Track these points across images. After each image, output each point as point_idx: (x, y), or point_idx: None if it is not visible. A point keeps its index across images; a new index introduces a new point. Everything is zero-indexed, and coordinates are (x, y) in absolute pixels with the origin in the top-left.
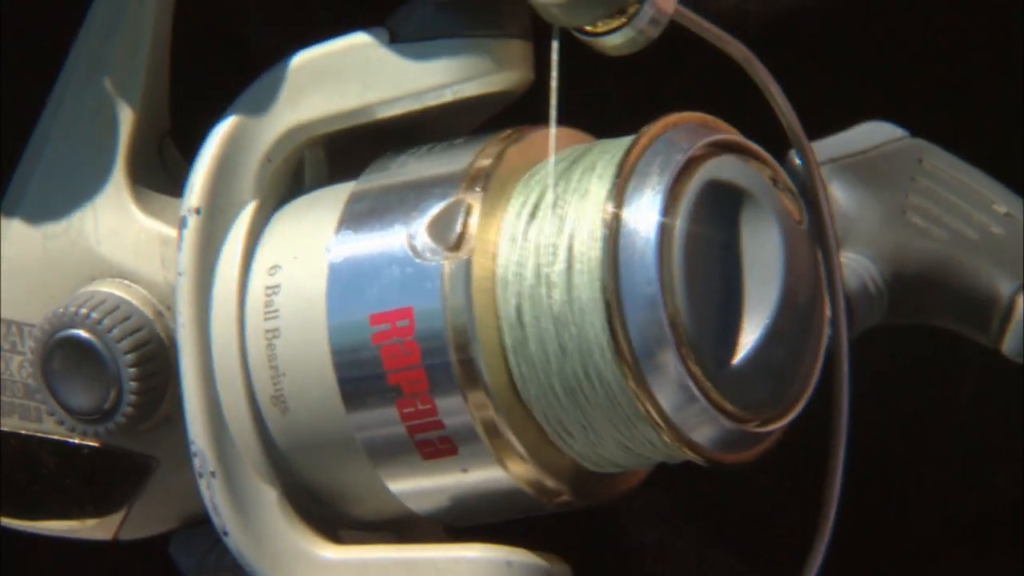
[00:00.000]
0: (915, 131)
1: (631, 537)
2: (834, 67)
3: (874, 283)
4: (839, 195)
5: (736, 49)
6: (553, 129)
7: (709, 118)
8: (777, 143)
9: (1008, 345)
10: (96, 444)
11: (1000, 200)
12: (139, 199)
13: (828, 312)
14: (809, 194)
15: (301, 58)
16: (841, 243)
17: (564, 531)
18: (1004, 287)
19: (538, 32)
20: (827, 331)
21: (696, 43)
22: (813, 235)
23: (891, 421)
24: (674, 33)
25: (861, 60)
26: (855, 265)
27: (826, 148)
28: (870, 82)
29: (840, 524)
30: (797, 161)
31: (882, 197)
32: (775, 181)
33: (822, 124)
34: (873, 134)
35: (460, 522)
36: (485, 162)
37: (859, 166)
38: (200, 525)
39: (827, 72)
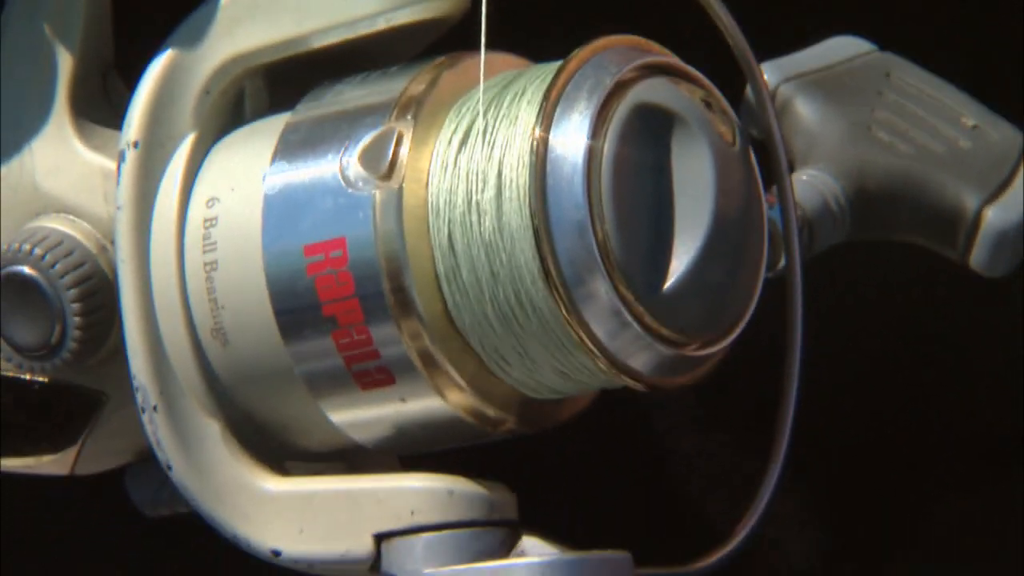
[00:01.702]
0: (884, 45)
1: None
2: None
3: (836, 200)
4: (803, 111)
5: None
6: (483, 54)
7: (642, 40)
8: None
9: (975, 258)
10: (46, 380)
11: (969, 113)
12: (82, 134)
13: (772, 231)
14: (761, 113)
15: None
16: (804, 160)
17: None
18: (970, 200)
19: None
20: (765, 251)
21: None
22: (748, 156)
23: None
24: None
25: None
26: (816, 182)
27: (792, 64)
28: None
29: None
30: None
31: (847, 112)
32: (708, 103)
33: (791, 40)
34: (840, 49)
35: (405, 451)
36: (417, 89)
37: (825, 82)
38: (154, 459)
39: None
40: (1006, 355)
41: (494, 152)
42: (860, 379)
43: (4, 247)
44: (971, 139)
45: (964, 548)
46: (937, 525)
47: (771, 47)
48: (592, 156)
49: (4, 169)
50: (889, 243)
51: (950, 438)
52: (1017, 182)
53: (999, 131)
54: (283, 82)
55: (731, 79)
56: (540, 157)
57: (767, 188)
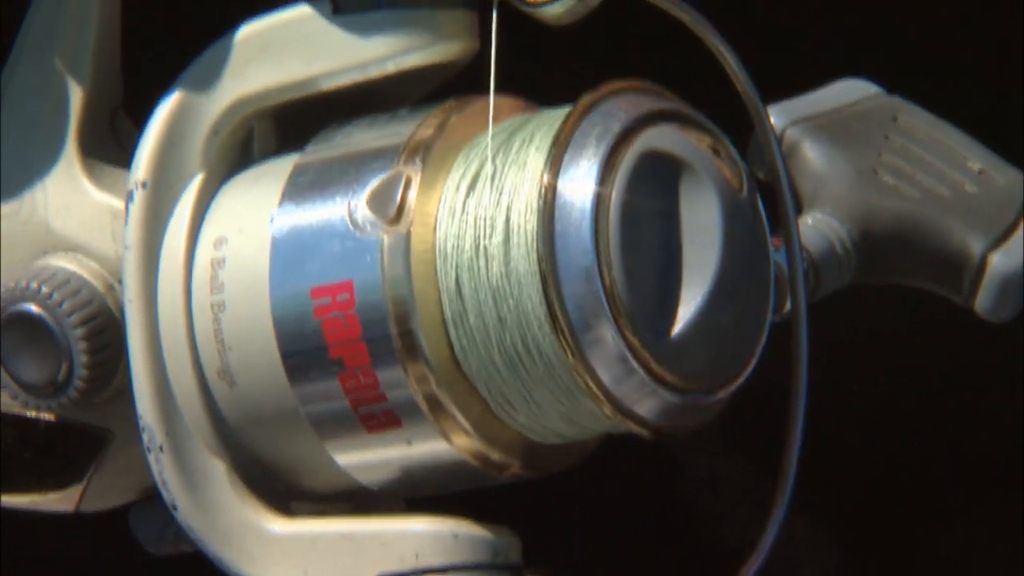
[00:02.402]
0: (891, 88)
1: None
2: (811, 23)
3: (841, 243)
4: (810, 155)
5: (684, 12)
6: (492, 99)
7: (649, 86)
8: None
9: (980, 303)
10: (51, 417)
11: (975, 158)
12: (91, 173)
13: (778, 274)
14: (768, 157)
15: (246, 30)
16: (810, 203)
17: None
18: (976, 245)
19: (482, 3)
20: (771, 298)
21: (647, 9)
22: (755, 203)
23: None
24: None
25: (837, 15)
26: (822, 226)
27: (799, 107)
28: (846, 39)
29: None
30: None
31: (854, 156)
32: (716, 150)
33: (799, 83)
34: (847, 92)
35: (411, 493)
36: (425, 134)
37: (832, 125)
38: (159, 497)
39: (805, 29)
40: (1008, 392)
41: (502, 198)
42: (868, 412)
43: (11, 285)
44: (977, 184)
45: (971, 570)
46: (944, 546)
47: (778, 90)
48: (600, 202)
49: (12, 206)
50: (894, 287)
51: (955, 466)
52: (1022, 227)
53: (1005, 176)
54: (292, 123)
55: (738, 122)
56: (548, 203)
57: (773, 231)
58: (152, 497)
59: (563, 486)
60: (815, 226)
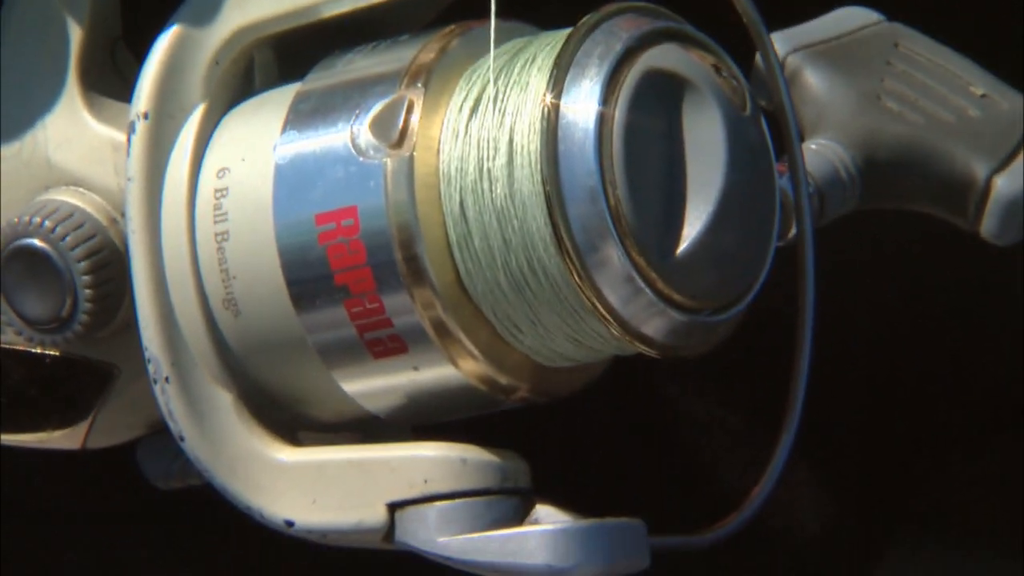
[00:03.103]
0: (892, 15)
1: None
2: None
3: (846, 169)
4: (811, 81)
5: None
6: (493, 21)
7: (651, 6)
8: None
9: (986, 227)
10: (56, 353)
11: (978, 82)
12: (92, 106)
13: (783, 199)
14: (771, 82)
15: None
16: (813, 129)
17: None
18: (980, 169)
19: None
20: (777, 217)
21: None
22: (759, 122)
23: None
24: None
25: None
26: (826, 151)
27: (799, 35)
28: None
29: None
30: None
31: (855, 82)
32: (718, 69)
33: (800, 11)
34: (848, 19)
35: (419, 420)
36: (427, 57)
37: (833, 52)
38: (166, 432)
39: None
40: (1013, 323)
41: (505, 119)
42: (871, 344)
43: (14, 220)
44: (980, 108)
45: (973, 510)
46: (946, 487)
47: (780, 17)
48: (604, 122)
49: (13, 143)
50: (899, 212)
51: (959, 403)
52: None
53: (1008, 100)
54: (293, 53)
55: (740, 49)
56: (551, 123)
57: (778, 158)
58: (158, 432)
59: (570, 413)
60: (819, 152)
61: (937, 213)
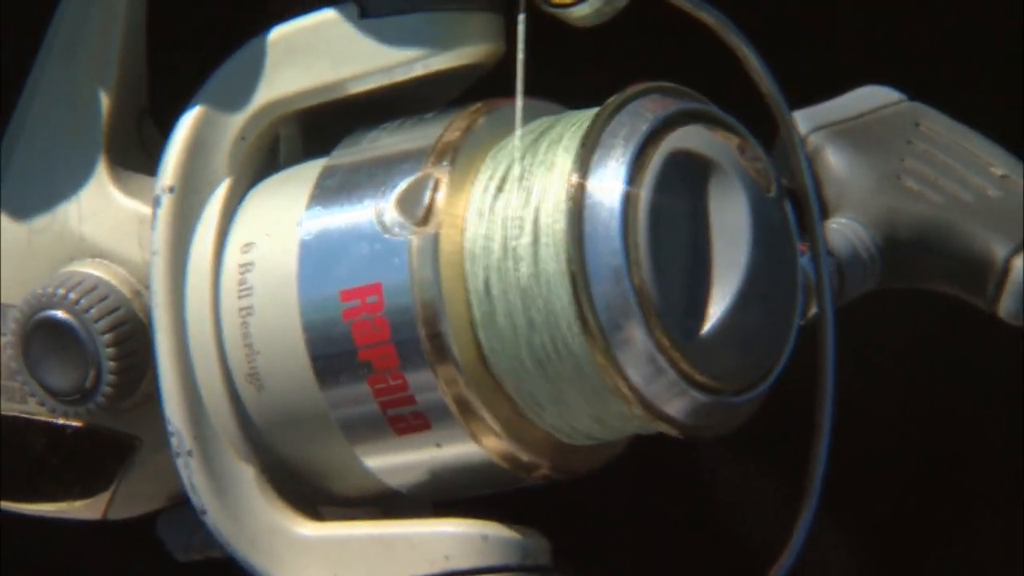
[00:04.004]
0: (913, 95)
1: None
2: (832, 30)
3: (866, 248)
4: (833, 160)
5: (709, 15)
6: (520, 101)
7: (676, 87)
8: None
9: (1004, 307)
10: (79, 424)
11: (997, 162)
12: (117, 179)
13: (804, 279)
14: (793, 161)
15: (273, 35)
16: (835, 208)
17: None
18: (1000, 249)
19: (508, 5)
20: (800, 298)
21: (674, 11)
22: (783, 203)
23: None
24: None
25: (860, 22)
26: (846, 230)
27: (821, 113)
28: (869, 46)
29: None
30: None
31: (876, 162)
32: (743, 150)
33: (822, 89)
34: (869, 98)
35: (440, 496)
36: (453, 135)
37: (854, 131)
38: (187, 504)
39: (825, 35)
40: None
41: (531, 198)
42: (893, 415)
43: (39, 291)
44: (1000, 188)
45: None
46: (970, 551)
47: (803, 95)
48: (629, 202)
49: (39, 215)
50: (920, 291)
51: (982, 471)
52: None
53: None
54: (318, 128)
55: (763, 125)
56: (577, 203)
57: (799, 236)
58: (179, 504)
59: (591, 489)
60: (840, 231)
61: (956, 293)
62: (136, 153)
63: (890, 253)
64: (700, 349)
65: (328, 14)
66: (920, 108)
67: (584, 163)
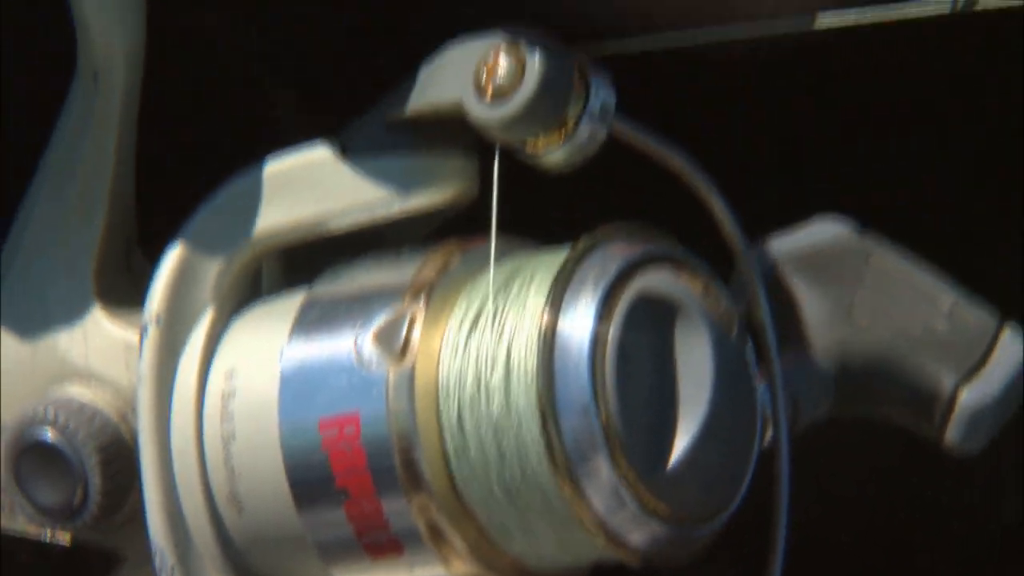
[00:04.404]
0: (866, 224)
1: None
2: (789, 163)
3: (819, 379)
4: (789, 292)
5: (674, 161)
6: (493, 242)
7: (644, 228)
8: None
9: (950, 437)
10: (67, 540)
11: (945, 296)
12: (106, 307)
13: (762, 412)
14: (750, 296)
15: (256, 172)
16: (789, 339)
17: None
18: (946, 380)
19: (482, 148)
20: (758, 433)
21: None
22: (744, 343)
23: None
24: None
25: (816, 155)
26: (801, 361)
27: (779, 246)
28: (824, 178)
29: None
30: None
31: (830, 294)
32: (706, 292)
33: (778, 220)
34: (824, 231)
35: None
36: (429, 273)
37: (809, 264)
38: None
39: (783, 168)
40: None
41: (503, 336)
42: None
43: (29, 412)
44: (947, 321)
45: None
46: None
47: (760, 228)
48: (598, 342)
49: (31, 338)
50: (883, 421)
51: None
52: (990, 363)
53: (973, 314)
54: (299, 260)
55: (723, 256)
56: (548, 342)
57: (757, 365)
58: None
59: None
60: (794, 361)
61: (906, 422)
62: (125, 282)
63: (842, 383)
64: (663, 483)
65: (311, 153)
66: (872, 243)
67: (555, 303)
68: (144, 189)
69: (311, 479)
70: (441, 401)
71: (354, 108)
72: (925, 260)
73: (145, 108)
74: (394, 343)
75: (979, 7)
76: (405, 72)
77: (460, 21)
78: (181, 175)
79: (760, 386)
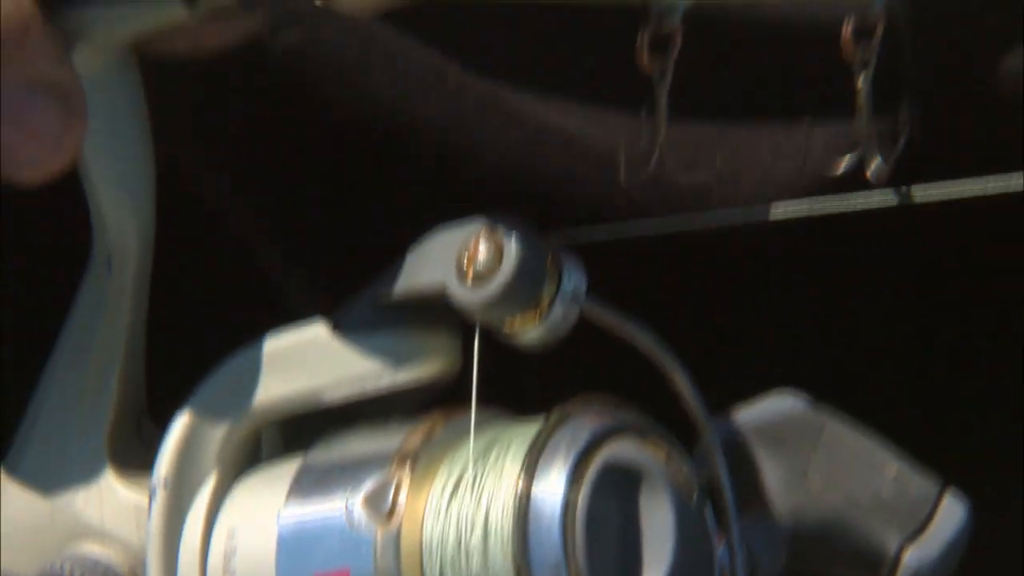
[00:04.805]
0: (819, 397)
1: None
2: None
3: (774, 540)
4: (748, 461)
5: (641, 340)
6: (473, 414)
7: (613, 401)
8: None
9: None
10: None
11: (891, 464)
12: (118, 471)
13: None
14: (711, 463)
15: (256, 347)
16: (747, 503)
17: None
18: (892, 542)
19: (464, 327)
20: None
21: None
22: (703, 507)
23: None
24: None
25: (772, 334)
26: (758, 523)
27: (739, 418)
28: (782, 354)
29: None
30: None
31: (786, 462)
32: (669, 460)
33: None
34: (780, 404)
35: None
36: (414, 442)
37: (766, 434)
38: None
39: (743, 344)
40: None
41: (482, 500)
42: None
43: (46, 568)
44: (893, 487)
45: None
46: None
47: (722, 401)
48: (568, 506)
49: (49, 499)
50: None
51: None
52: (932, 526)
53: (917, 480)
54: (296, 427)
55: (686, 425)
56: (523, 507)
57: (716, 527)
58: None
59: None
60: (753, 523)
61: None
62: (135, 447)
63: (796, 543)
64: None
65: (307, 330)
66: (824, 415)
67: (530, 471)
68: (153, 361)
69: None
70: (425, 560)
71: (352, 282)
72: (878, 429)
73: (154, 284)
74: (382, 506)
75: (918, 200)
76: (400, 246)
77: (452, 198)
78: (187, 347)
79: (719, 547)
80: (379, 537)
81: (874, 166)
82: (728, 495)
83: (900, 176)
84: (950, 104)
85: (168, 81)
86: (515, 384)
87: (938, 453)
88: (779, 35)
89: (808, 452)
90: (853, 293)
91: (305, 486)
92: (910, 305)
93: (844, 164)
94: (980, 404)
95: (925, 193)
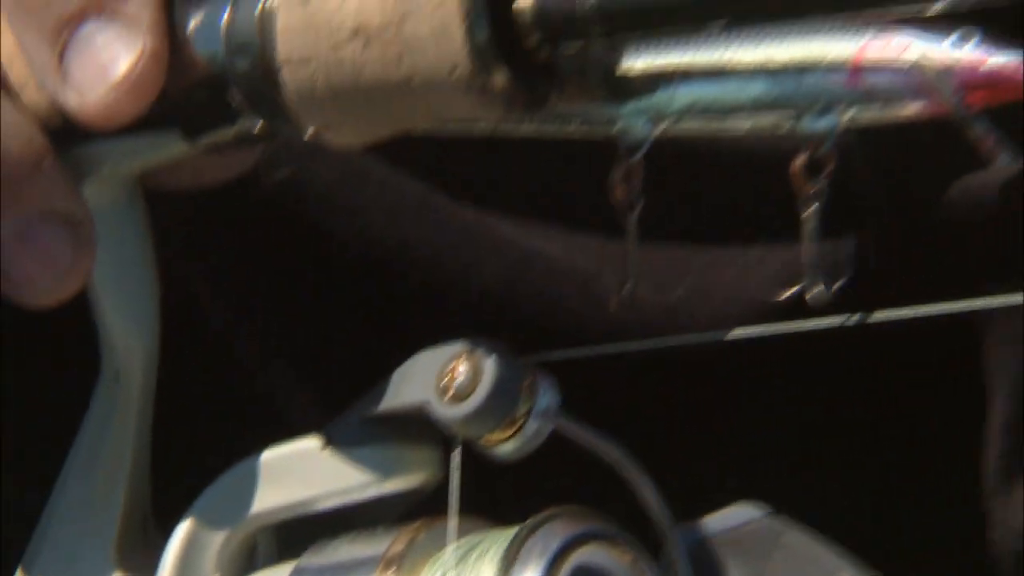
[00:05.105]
0: (778, 507)
1: None
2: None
3: None
4: (708, 568)
5: (610, 454)
6: (453, 522)
7: (584, 510)
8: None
9: None
10: None
11: (845, 571)
12: (125, 573)
13: None
14: (676, 570)
15: (254, 460)
16: None
17: None
18: None
19: (445, 441)
20: None
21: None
22: None
23: None
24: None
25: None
26: None
27: (700, 527)
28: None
29: None
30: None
31: (745, 568)
32: (634, 565)
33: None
34: (740, 514)
35: None
36: (399, 548)
37: (727, 541)
38: None
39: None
40: None
41: None
42: None
43: None
44: None
45: None
46: None
47: (687, 509)
48: None
49: None
50: None
51: None
52: None
53: None
54: (290, 533)
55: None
56: None
57: None
58: None
59: None
60: None
61: None
62: (141, 551)
63: None
64: None
65: (300, 445)
66: (782, 525)
67: (505, 574)
68: (158, 471)
69: None
70: None
71: (345, 398)
72: (833, 537)
73: (159, 398)
74: None
75: (871, 321)
76: (391, 366)
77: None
78: (190, 456)
79: None
80: None
81: (815, 292)
82: None
83: (855, 298)
84: (901, 231)
85: (172, 211)
86: (492, 493)
87: (891, 561)
88: (743, 164)
89: (765, 559)
90: (811, 409)
91: None
92: (864, 420)
93: (787, 294)
94: (933, 515)
95: (877, 316)
